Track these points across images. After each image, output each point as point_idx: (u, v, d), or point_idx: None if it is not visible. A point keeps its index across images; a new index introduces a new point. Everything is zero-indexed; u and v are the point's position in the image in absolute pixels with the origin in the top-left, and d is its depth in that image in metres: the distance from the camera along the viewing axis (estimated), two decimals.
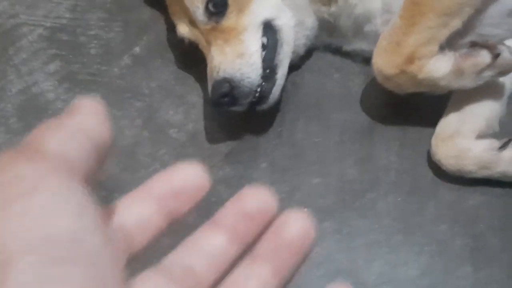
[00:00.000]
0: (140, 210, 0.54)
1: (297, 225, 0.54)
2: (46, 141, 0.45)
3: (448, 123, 1.47)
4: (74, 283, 0.39)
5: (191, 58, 1.63)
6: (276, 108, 1.57)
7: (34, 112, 1.70)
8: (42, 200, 0.41)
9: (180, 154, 1.61)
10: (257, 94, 1.49)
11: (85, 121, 0.48)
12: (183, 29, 1.56)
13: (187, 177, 0.55)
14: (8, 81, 1.74)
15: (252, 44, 1.49)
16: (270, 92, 1.50)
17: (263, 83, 1.49)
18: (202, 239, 0.55)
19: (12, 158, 0.43)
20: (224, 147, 1.60)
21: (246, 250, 0.55)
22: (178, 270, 0.53)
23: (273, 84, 1.50)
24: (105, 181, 1.61)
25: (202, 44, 1.53)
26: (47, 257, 0.39)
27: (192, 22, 1.53)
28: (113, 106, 1.68)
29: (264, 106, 1.52)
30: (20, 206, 0.41)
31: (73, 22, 1.80)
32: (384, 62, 1.40)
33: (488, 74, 1.38)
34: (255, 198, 0.55)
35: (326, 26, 1.58)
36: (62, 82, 1.73)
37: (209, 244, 0.55)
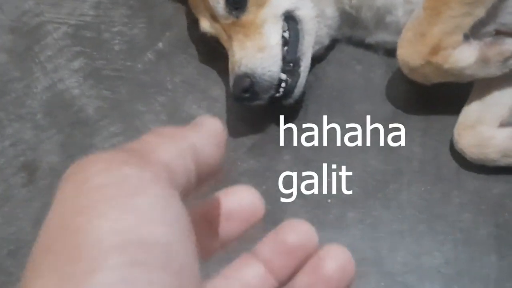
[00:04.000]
0: None
1: (336, 260, 0.53)
2: (156, 150, 0.46)
3: (471, 111, 1.47)
4: None
5: (214, 53, 1.64)
6: (299, 100, 1.57)
7: (60, 108, 1.73)
8: (142, 204, 0.42)
9: None
10: (281, 89, 1.50)
11: (198, 142, 0.48)
12: (205, 24, 1.57)
13: (242, 201, 0.54)
14: (34, 79, 1.77)
15: (272, 37, 1.49)
16: (295, 86, 1.51)
17: (287, 78, 1.50)
18: (240, 270, 0.55)
19: (121, 159, 0.44)
20: (247, 140, 1.61)
21: (283, 284, 0.55)
22: None
23: (298, 77, 1.51)
24: None
25: (224, 38, 1.54)
26: (137, 261, 0.39)
27: (214, 17, 1.54)
28: (137, 101, 1.71)
29: (290, 100, 1.53)
30: (121, 206, 0.41)
31: (96, 19, 1.82)
32: (409, 54, 1.40)
33: None
34: (296, 232, 0.54)
35: (348, 19, 1.58)
36: (87, 79, 1.75)
37: (246, 276, 0.54)
